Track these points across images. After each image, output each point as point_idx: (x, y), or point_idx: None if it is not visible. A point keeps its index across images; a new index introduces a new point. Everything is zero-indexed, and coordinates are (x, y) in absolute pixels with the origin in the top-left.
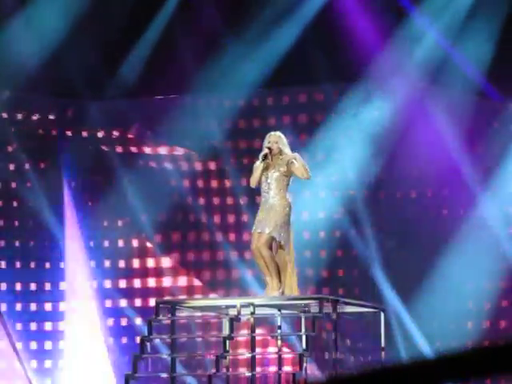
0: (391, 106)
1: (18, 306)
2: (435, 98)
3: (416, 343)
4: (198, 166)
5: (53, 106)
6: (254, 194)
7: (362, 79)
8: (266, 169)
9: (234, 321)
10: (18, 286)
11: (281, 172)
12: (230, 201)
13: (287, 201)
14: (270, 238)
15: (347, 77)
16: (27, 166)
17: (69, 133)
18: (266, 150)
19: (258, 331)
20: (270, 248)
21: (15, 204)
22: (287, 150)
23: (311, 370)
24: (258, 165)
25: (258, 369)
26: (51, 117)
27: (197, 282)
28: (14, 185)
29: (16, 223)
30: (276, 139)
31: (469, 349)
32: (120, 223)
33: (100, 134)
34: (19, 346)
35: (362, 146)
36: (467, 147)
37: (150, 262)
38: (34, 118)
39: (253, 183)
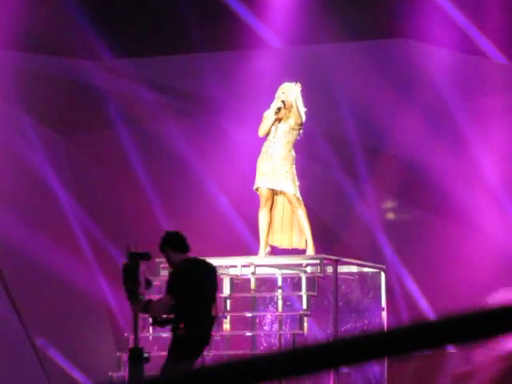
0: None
1: None
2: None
3: (417, 304)
4: None
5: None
6: None
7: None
8: (276, 120)
9: (235, 280)
10: None
11: (290, 126)
12: None
13: (292, 155)
14: (296, 198)
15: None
16: None
17: None
18: (280, 103)
19: None
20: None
21: None
22: (300, 101)
23: (311, 330)
24: (269, 115)
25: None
26: None
27: None
28: None
29: None
30: (289, 90)
31: (470, 311)
32: None
33: None
34: None
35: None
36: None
37: None
38: None
39: (262, 133)
